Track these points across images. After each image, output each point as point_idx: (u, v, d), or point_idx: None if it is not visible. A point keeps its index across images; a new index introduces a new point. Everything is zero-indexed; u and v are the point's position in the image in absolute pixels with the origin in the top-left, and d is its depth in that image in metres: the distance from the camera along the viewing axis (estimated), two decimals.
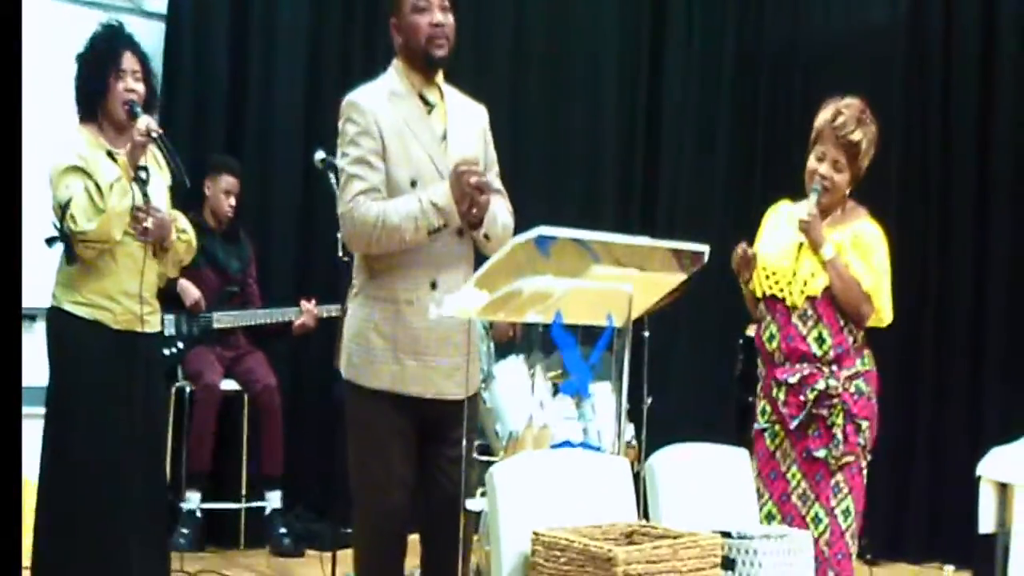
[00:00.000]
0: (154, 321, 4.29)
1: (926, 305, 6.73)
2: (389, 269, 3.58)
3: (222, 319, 6.03)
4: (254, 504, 6.17)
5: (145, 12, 6.36)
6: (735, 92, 7.63)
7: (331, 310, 5.91)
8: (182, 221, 4.42)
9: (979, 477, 5.29)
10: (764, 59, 7.60)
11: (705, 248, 3.53)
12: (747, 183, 7.48)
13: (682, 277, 3.57)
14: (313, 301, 6.08)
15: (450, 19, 3.68)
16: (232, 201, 6.13)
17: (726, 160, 7.57)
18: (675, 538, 3.03)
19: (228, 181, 6.10)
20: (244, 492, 6.16)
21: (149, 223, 4.12)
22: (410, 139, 3.61)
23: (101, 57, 4.19)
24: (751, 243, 4.23)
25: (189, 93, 6.39)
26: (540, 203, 6.57)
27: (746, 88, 7.58)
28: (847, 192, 4.17)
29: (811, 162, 4.14)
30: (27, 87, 5.90)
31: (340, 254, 4.65)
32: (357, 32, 6.90)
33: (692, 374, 7.38)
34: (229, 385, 6.08)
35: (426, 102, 3.70)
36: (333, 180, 4.71)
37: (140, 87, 4.19)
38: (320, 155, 4.84)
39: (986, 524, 5.27)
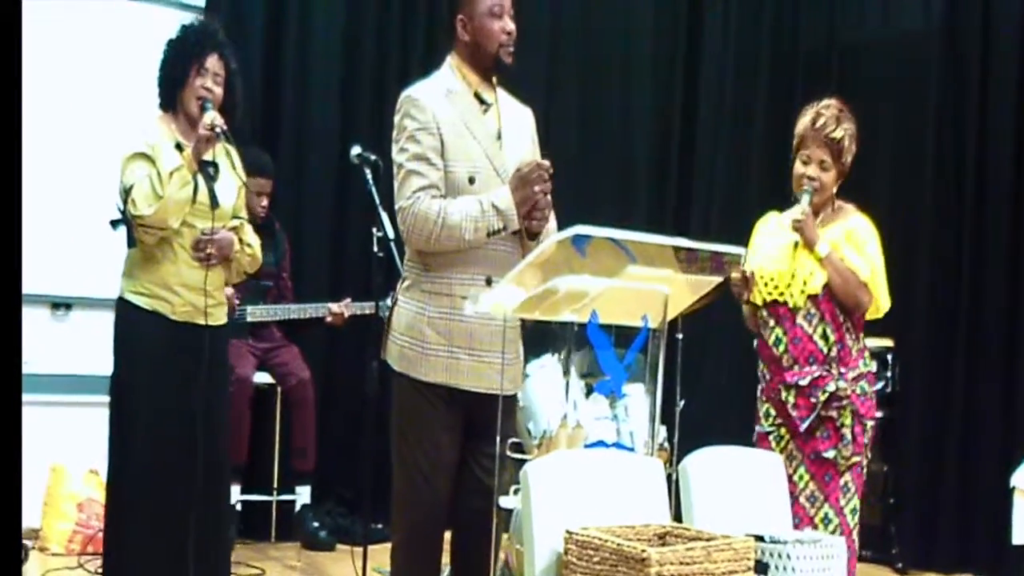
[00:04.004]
0: (218, 314, 4.31)
1: (958, 312, 6.68)
2: (445, 265, 3.61)
3: (256, 313, 6.03)
4: (285, 497, 6.20)
5: (182, 4, 6.40)
6: (770, 94, 7.60)
7: (364, 307, 5.90)
8: (249, 233, 4.45)
9: (1012, 488, 5.26)
10: (799, 61, 7.57)
11: (742, 251, 3.54)
12: (782, 185, 7.43)
13: (718, 280, 3.57)
14: (347, 301, 6.07)
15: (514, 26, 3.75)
16: (264, 202, 6.07)
17: (761, 161, 7.54)
18: (708, 540, 3.02)
19: (259, 183, 5.98)
20: (276, 485, 6.19)
21: (211, 249, 4.16)
22: (467, 136, 3.64)
23: (188, 50, 4.24)
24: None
25: None
26: (573, 201, 6.55)
27: (782, 90, 7.54)
28: (835, 191, 4.29)
29: (797, 167, 4.29)
30: (60, 78, 6.01)
31: (376, 249, 4.65)
32: (393, 27, 6.92)
33: (724, 377, 7.35)
34: (262, 378, 6.09)
35: (482, 101, 3.72)
36: (369, 175, 4.72)
37: (218, 90, 4.23)
38: (356, 150, 4.83)
39: (1019, 536, 5.24)
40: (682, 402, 5.30)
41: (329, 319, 6.08)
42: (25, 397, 5.86)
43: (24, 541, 5.39)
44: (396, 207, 3.63)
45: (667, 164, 7.75)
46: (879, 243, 4.25)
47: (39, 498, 5.68)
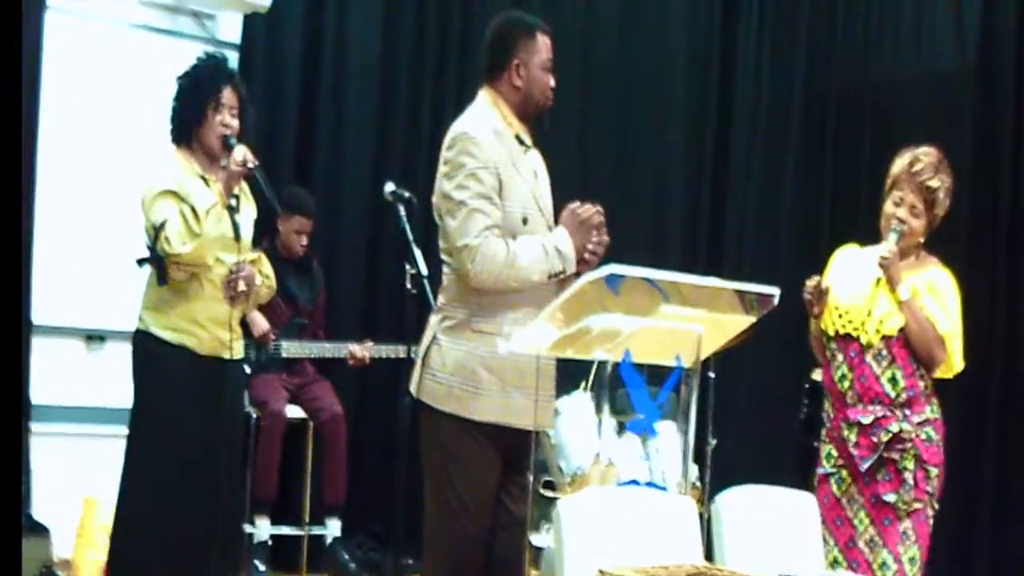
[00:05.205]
0: (238, 348, 4.35)
1: (993, 354, 6.62)
2: (499, 305, 3.63)
3: (290, 348, 6.06)
4: (316, 531, 6.20)
5: (219, 41, 6.45)
6: (803, 135, 7.59)
7: (397, 351, 5.89)
8: (266, 265, 4.50)
9: None
10: (832, 102, 7.55)
11: (775, 291, 3.53)
12: (814, 227, 7.44)
13: (751, 320, 3.57)
14: (368, 343, 6.11)
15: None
16: (304, 241, 6.12)
17: (793, 203, 7.53)
18: None
19: (300, 222, 6.06)
20: (307, 519, 6.19)
21: (241, 285, 4.20)
22: (517, 177, 3.69)
23: (203, 87, 4.29)
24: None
25: (260, 123, 6.44)
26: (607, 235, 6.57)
27: (814, 131, 7.53)
28: (921, 240, 4.19)
29: (888, 206, 4.17)
30: (105, 114, 6.09)
31: (408, 285, 4.66)
32: (428, 65, 6.97)
33: (756, 417, 7.31)
34: (294, 412, 6.11)
35: (521, 142, 3.77)
36: (402, 212, 4.74)
37: (235, 123, 4.28)
38: (390, 187, 4.83)
39: None
40: (714, 441, 5.32)
41: (351, 361, 6.11)
42: (58, 428, 5.96)
43: (56, 572, 5.42)
44: (459, 244, 3.60)
45: (699, 203, 7.74)
46: (959, 301, 4.17)
47: (72, 529, 5.69)
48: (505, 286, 3.60)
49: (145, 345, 4.25)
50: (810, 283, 4.19)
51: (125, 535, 4.23)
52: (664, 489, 3.78)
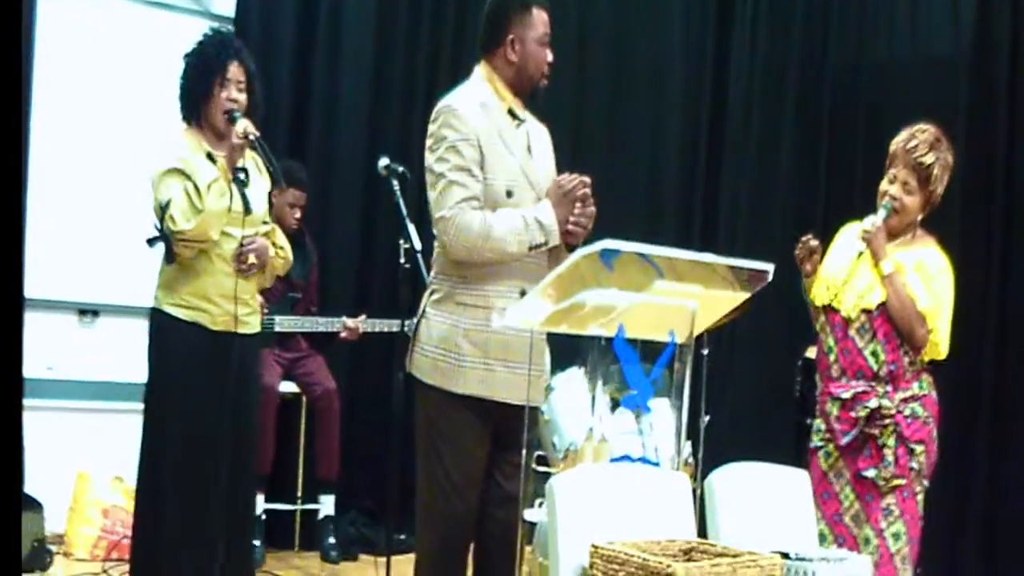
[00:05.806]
0: (253, 322, 4.34)
1: (986, 334, 6.62)
2: (482, 277, 3.63)
3: (283, 323, 6.05)
4: (310, 506, 6.22)
5: (212, 15, 6.42)
6: (798, 114, 7.57)
7: (391, 325, 5.91)
8: (280, 236, 4.49)
9: None
10: (827, 86, 7.52)
11: (770, 267, 3.52)
12: (809, 204, 7.43)
13: (745, 296, 3.56)
14: (362, 317, 6.11)
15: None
16: (297, 214, 6.10)
17: (788, 180, 7.51)
18: (734, 557, 3.01)
19: (294, 194, 6.03)
20: (300, 494, 6.21)
21: (251, 258, 4.19)
22: (503, 150, 3.67)
23: (209, 63, 4.27)
24: (820, 260, 4.24)
25: None
26: (600, 216, 6.55)
27: (809, 110, 7.52)
28: (918, 217, 4.18)
29: (883, 183, 4.18)
30: (98, 88, 6.07)
31: (402, 261, 4.66)
32: (423, 40, 6.93)
33: (750, 393, 7.32)
34: (288, 388, 6.11)
35: (514, 116, 3.76)
36: (396, 187, 4.73)
37: (242, 97, 4.27)
38: (384, 162, 4.84)
39: None
40: (707, 417, 5.31)
41: (344, 334, 6.11)
42: (51, 403, 5.96)
43: (49, 546, 5.42)
44: (436, 216, 3.63)
45: (694, 180, 7.74)
46: (951, 282, 4.14)
47: (65, 504, 5.70)
48: (481, 257, 3.60)
49: (159, 323, 4.25)
50: (803, 239, 4.20)
51: (145, 512, 4.23)
52: (657, 465, 3.77)
